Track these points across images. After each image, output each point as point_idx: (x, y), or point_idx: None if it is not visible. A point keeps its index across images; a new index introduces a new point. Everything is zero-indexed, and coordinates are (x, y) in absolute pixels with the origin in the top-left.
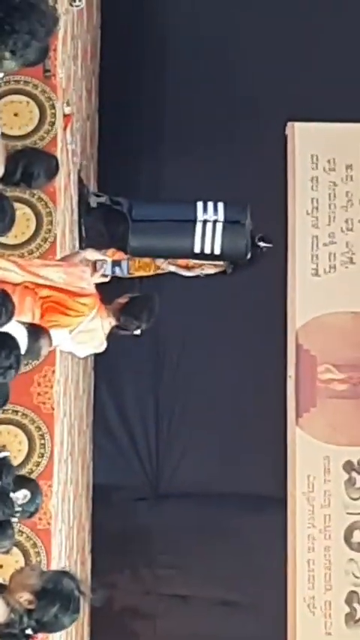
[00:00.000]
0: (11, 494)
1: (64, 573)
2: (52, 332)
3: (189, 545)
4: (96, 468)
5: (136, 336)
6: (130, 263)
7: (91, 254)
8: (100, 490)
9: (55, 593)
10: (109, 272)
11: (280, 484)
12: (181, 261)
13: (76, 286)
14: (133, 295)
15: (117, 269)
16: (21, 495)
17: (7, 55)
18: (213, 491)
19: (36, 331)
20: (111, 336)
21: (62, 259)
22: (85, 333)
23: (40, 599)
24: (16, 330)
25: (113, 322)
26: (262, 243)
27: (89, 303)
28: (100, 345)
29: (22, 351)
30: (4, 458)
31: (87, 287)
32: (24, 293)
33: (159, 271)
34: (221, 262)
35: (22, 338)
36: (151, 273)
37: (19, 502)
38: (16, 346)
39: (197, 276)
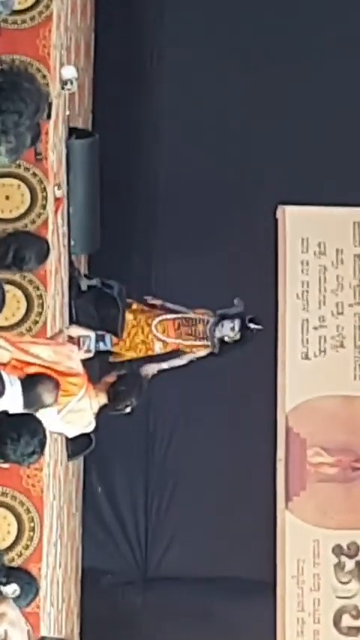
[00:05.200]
0: (0, 588)
1: None
2: (41, 412)
3: (177, 629)
4: (85, 551)
5: (128, 414)
6: (120, 344)
7: (75, 330)
8: (89, 573)
9: None
10: (92, 347)
11: (269, 568)
12: (173, 345)
13: (64, 365)
14: (120, 373)
15: (101, 344)
16: (10, 590)
17: (2, 149)
18: (202, 575)
19: (30, 380)
20: (100, 416)
21: (49, 338)
22: (74, 413)
23: None
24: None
25: (102, 402)
26: (252, 325)
27: (78, 382)
28: (89, 425)
29: (21, 405)
30: None
31: (75, 367)
32: (12, 372)
33: (149, 353)
34: (207, 342)
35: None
36: (142, 354)
37: (8, 597)
38: (41, 430)
39: (191, 361)
